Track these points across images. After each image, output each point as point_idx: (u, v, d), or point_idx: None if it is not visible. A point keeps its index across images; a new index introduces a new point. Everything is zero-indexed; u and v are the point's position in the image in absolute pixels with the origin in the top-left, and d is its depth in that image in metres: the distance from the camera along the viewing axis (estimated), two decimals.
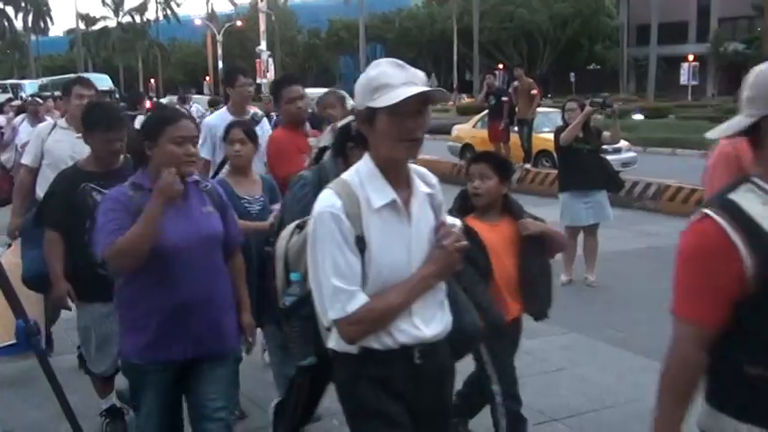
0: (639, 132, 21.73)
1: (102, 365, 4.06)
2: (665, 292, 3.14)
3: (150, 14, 79.08)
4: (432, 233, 2.27)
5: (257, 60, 34.59)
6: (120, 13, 76.88)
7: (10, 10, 74.13)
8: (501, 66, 45.21)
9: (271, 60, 35.80)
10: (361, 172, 2.23)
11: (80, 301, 4.00)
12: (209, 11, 67.98)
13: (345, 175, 2.26)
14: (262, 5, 36.98)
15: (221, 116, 5.35)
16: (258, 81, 33.71)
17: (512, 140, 15.34)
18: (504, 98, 15.49)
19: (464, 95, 49.69)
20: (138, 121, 9.06)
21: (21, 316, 3.29)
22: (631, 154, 15.21)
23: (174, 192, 2.90)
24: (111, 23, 77.43)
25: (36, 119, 10.74)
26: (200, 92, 45.85)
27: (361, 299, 2.14)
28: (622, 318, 6.19)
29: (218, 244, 3.11)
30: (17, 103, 16.64)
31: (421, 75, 2.20)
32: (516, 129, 15.43)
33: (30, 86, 38.08)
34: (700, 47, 50.58)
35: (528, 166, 14.72)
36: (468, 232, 3.05)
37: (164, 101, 24.67)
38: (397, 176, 2.24)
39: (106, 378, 4.22)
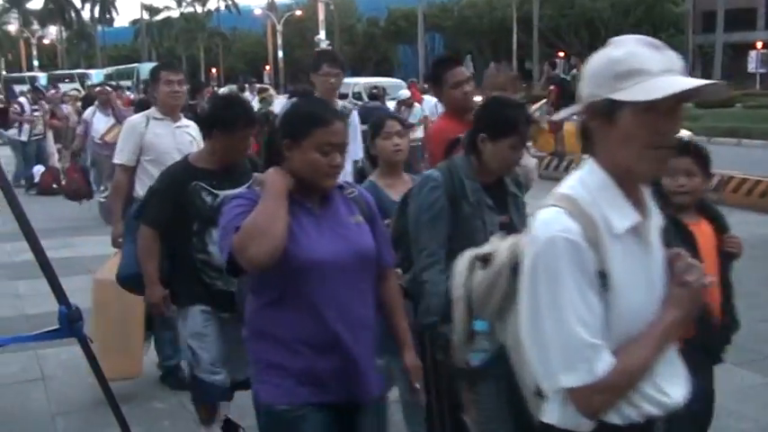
0: (704, 122, 21.20)
1: (240, 372, 3.57)
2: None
3: (211, 4, 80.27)
4: (663, 266, 1.76)
5: (316, 50, 34.77)
6: (183, 4, 78.09)
7: (77, 1, 76.12)
8: (561, 54, 44.57)
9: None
10: (590, 184, 1.72)
11: (181, 307, 3.68)
12: (270, 1, 68.55)
13: (566, 189, 1.74)
14: None
15: None
16: None
17: (570, 130, 15.15)
18: (552, 87, 15.37)
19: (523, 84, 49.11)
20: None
21: (63, 302, 3.25)
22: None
23: (282, 185, 2.42)
24: (174, 14, 78.76)
25: (108, 108, 10.76)
26: (261, 81, 46.36)
27: (608, 357, 1.62)
28: None
29: (373, 263, 2.58)
30: (52, 92, 16.67)
31: (678, 59, 1.71)
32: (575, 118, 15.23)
33: (96, 76, 39.08)
34: None
35: (586, 156, 14.50)
36: (686, 233, 2.73)
37: (223, 90, 25.00)
38: (634, 192, 1.74)
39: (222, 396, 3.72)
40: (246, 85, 21.47)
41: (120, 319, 4.56)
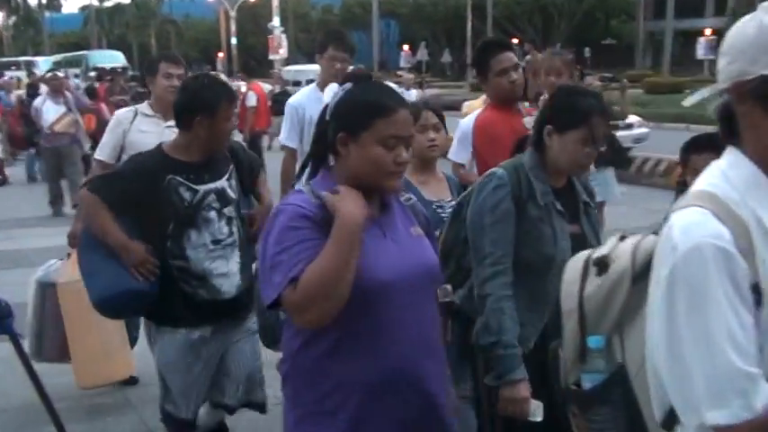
0: (653, 108, 21.57)
1: (231, 396, 3.35)
2: None
3: None
4: None
5: (269, 37, 34.48)
6: None
7: None
8: (516, 41, 44.85)
9: (284, 36, 35.70)
10: (735, 180, 1.42)
11: (156, 326, 3.30)
12: None
13: (706, 185, 1.44)
14: None
15: (309, 94, 4.57)
16: (270, 57, 33.70)
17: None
18: None
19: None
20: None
21: None
22: (643, 130, 15.11)
23: (362, 221, 1.96)
24: (125, 0, 77.34)
25: (59, 96, 10.37)
26: (214, 68, 45.79)
27: (767, 389, 1.32)
28: None
29: (436, 281, 2.22)
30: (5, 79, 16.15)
31: None
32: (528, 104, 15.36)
33: (44, 63, 38.18)
34: (717, 21, 49.83)
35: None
36: None
37: None
38: None
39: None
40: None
41: (96, 321, 4.02)
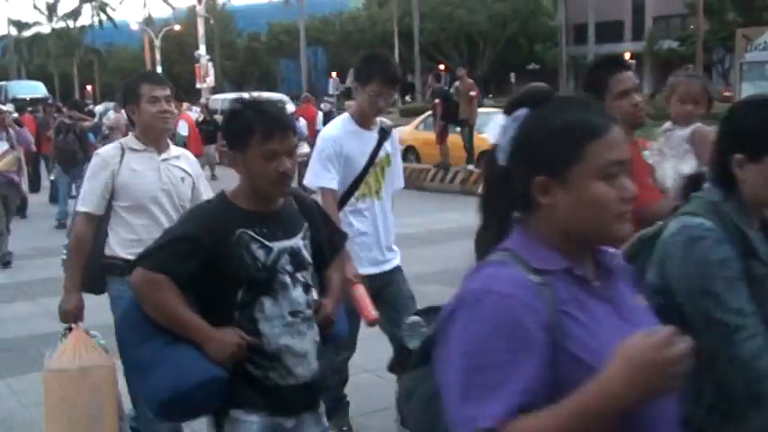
0: None
1: None
2: None
3: (86, 20, 77.46)
4: None
5: (196, 65, 33.99)
6: (54, 19, 75.02)
7: None
8: (442, 67, 45.36)
9: (210, 65, 35.27)
10: None
11: (222, 416, 2.54)
12: (147, 15, 66.79)
13: None
14: (200, 9, 36.37)
15: (344, 127, 3.97)
16: (198, 86, 33.23)
17: (454, 141, 15.33)
18: (436, 100, 15.64)
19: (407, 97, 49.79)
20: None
21: None
22: None
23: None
24: (45, 29, 75.52)
25: (1, 131, 9.23)
26: None
27: None
28: None
29: None
30: None
31: None
32: (458, 129, 15.43)
33: None
34: (636, 45, 51.55)
35: (471, 167, 14.71)
36: None
37: (99, 108, 23.98)
38: None
39: None
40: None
41: (90, 414, 3.39)
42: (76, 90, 65.11)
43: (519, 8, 56.16)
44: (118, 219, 3.59)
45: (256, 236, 2.49)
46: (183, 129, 11.08)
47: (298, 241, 2.61)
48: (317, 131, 13.13)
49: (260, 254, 2.50)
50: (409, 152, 16.45)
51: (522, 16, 56.26)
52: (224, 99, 27.93)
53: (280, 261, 2.54)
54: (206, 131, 16.52)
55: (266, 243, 2.51)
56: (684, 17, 48.96)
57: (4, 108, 10.56)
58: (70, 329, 3.45)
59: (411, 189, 10.66)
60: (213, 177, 14.83)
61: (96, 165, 3.60)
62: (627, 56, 45.20)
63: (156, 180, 3.56)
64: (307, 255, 2.64)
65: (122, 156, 3.56)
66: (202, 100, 24.10)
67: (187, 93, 40.71)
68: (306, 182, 3.96)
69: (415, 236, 9.54)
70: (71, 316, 3.49)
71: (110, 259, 3.60)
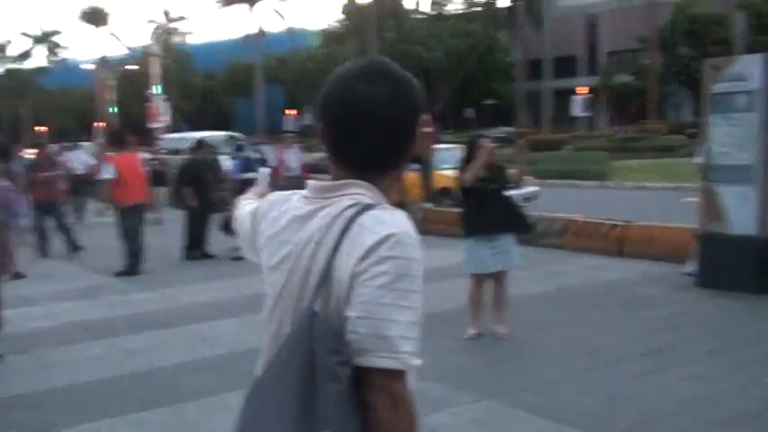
0: (537, 165, 21.80)
1: None
2: (579, 341, 2.53)
3: (38, 61, 76.28)
4: None
5: (148, 105, 33.38)
6: (4, 61, 73.79)
7: None
8: None
9: (167, 104, 34.68)
10: None
11: None
12: (102, 56, 65.94)
13: None
14: (153, 48, 35.79)
15: None
16: (149, 125, 32.55)
17: (411, 179, 14.88)
18: None
19: None
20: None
21: None
22: (533, 188, 14.95)
23: None
24: None
25: None
26: (89, 138, 43.89)
27: None
28: (538, 377, 5.57)
29: None
30: None
31: None
32: (416, 167, 15.00)
33: None
34: (591, 80, 52.06)
35: (428, 205, 14.25)
36: None
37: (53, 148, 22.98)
38: None
39: None
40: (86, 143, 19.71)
41: None
42: (30, 132, 63.74)
43: (475, 44, 56.54)
44: None
45: None
46: (106, 172, 10.31)
47: None
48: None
49: None
50: None
51: (479, 52, 56.62)
52: (178, 138, 27.21)
53: None
54: (157, 173, 15.78)
55: None
56: (636, 52, 49.62)
57: None
58: None
59: None
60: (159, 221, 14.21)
61: None
62: (582, 90, 45.66)
63: None
64: None
65: None
66: (155, 139, 23.37)
67: (140, 132, 39.88)
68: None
69: None
70: None
71: None
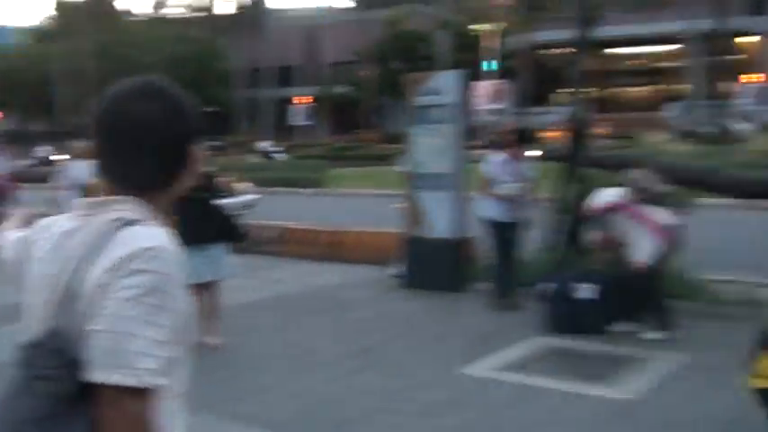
0: (255, 173, 21.94)
1: None
2: (292, 346, 2.61)
3: None
4: None
5: None
6: None
7: None
8: None
9: None
10: None
11: None
12: None
13: None
14: None
15: None
16: None
17: None
18: None
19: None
20: None
21: None
22: (252, 196, 15.02)
23: None
24: None
25: None
26: None
27: None
28: (250, 384, 5.59)
29: None
30: None
31: None
32: None
33: None
34: (312, 89, 53.57)
35: None
36: None
37: None
38: None
39: None
40: None
41: None
42: None
43: (196, 50, 55.72)
44: None
45: None
46: None
47: None
48: None
49: None
50: None
51: (200, 59, 55.87)
52: None
53: None
54: None
55: None
56: (353, 63, 51.91)
57: None
58: None
59: None
60: None
61: None
62: (301, 99, 46.91)
63: None
64: None
65: None
66: None
67: None
68: None
69: None
70: None
71: None
